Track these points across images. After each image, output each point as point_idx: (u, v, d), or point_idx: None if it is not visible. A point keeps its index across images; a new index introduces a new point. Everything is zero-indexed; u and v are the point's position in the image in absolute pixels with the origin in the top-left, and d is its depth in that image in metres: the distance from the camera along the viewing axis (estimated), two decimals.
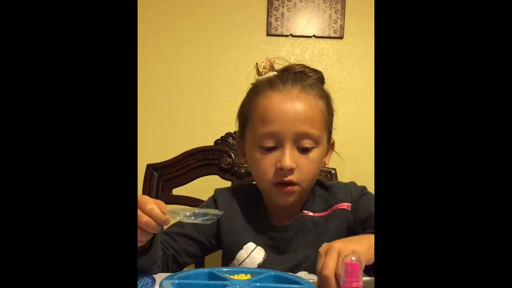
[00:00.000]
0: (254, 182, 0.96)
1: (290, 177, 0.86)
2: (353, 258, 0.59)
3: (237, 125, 0.96)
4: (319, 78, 0.95)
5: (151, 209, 0.69)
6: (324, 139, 0.90)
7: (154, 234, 0.76)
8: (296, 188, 0.87)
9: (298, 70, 0.93)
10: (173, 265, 0.91)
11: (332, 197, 0.95)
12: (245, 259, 0.91)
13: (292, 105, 0.86)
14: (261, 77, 0.94)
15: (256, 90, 0.91)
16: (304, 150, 0.87)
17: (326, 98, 0.91)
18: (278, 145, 0.86)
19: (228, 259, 0.95)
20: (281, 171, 0.85)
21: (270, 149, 0.87)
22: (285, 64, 0.96)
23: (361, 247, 0.67)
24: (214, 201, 0.98)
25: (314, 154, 0.87)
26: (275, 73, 0.94)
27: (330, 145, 0.95)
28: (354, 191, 0.94)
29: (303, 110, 0.86)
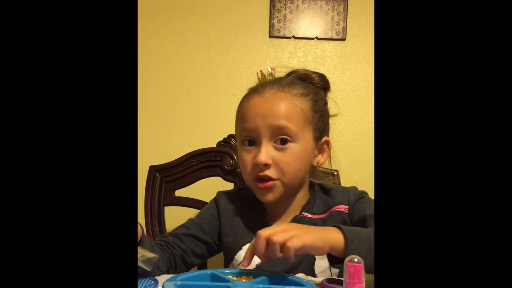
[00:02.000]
0: None
1: (266, 172, 0.89)
2: (355, 259, 0.59)
3: None
4: (322, 80, 0.98)
5: None
6: (306, 136, 0.91)
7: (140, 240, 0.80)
8: (275, 183, 0.89)
9: (302, 73, 0.96)
10: (182, 266, 0.92)
11: (331, 200, 0.97)
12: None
13: (267, 103, 0.90)
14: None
15: (244, 96, 0.96)
16: (282, 144, 0.89)
17: (311, 96, 0.93)
18: (257, 142, 0.90)
19: (228, 259, 0.96)
20: (257, 166, 0.88)
21: (249, 146, 0.91)
22: (289, 71, 0.99)
23: (306, 236, 0.70)
24: (216, 203, 1.00)
25: (293, 149, 0.89)
26: (271, 78, 0.98)
27: (322, 144, 0.96)
28: (352, 194, 0.96)
29: (278, 106, 0.89)
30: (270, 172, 0.89)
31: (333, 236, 0.72)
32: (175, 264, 0.90)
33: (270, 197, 0.91)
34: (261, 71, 0.99)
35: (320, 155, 0.96)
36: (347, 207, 0.94)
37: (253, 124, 0.89)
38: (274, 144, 0.89)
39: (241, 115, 0.93)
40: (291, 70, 0.98)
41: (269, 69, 0.98)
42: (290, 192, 0.94)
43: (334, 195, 0.97)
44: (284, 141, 0.88)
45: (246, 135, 0.91)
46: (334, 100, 1.00)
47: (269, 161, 0.88)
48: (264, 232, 0.71)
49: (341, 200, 0.95)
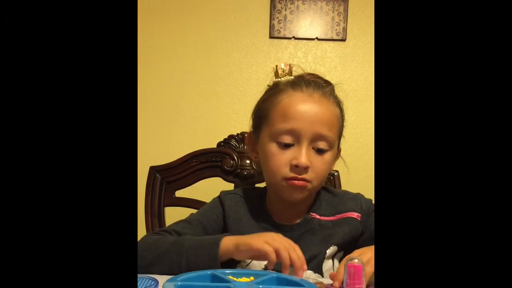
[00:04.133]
0: (257, 185, 0.97)
1: (304, 175, 0.89)
2: (356, 260, 0.59)
3: (251, 122, 0.99)
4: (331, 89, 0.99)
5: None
6: (336, 145, 0.94)
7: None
8: (308, 185, 0.90)
9: (311, 79, 0.96)
10: None
11: (341, 204, 0.98)
12: (252, 260, 0.92)
13: (314, 107, 0.90)
14: (279, 79, 0.97)
15: (277, 89, 0.94)
16: (319, 151, 0.90)
17: (340, 107, 0.96)
18: (295, 143, 0.89)
19: (236, 260, 0.95)
20: (296, 168, 0.88)
21: (286, 146, 0.90)
22: (299, 71, 0.99)
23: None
24: (221, 203, 0.99)
25: (328, 156, 0.91)
26: (292, 77, 0.97)
27: (338, 152, 0.99)
28: (364, 203, 0.97)
29: (323, 113, 0.90)
30: (307, 175, 0.89)
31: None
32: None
33: (300, 196, 0.91)
34: (277, 66, 0.99)
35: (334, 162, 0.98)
36: (359, 215, 0.96)
37: (298, 125, 0.88)
38: (313, 149, 0.90)
39: (281, 111, 0.91)
40: (301, 70, 0.99)
41: (283, 66, 0.98)
42: (312, 195, 0.96)
43: (346, 201, 0.98)
44: (322, 148, 0.90)
45: (287, 134, 0.89)
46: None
47: (309, 164, 0.89)
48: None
49: (353, 207, 0.96)
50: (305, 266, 0.77)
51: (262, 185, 1.03)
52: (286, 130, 0.89)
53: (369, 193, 0.97)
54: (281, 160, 0.90)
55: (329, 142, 0.90)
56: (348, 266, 0.59)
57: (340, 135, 0.96)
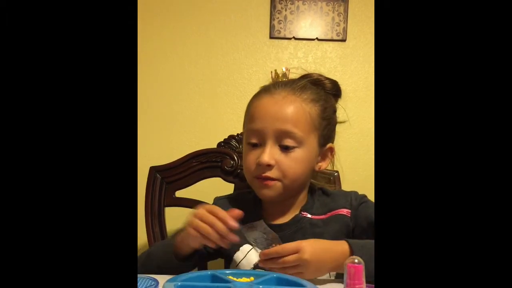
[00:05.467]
0: None
1: (268, 173, 0.90)
2: (356, 260, 0.59)
3: None
4: (334, 87, 1.00)
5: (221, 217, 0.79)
6: (311, 142, 0.92)
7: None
8: (274, 183, 0.91)
9: (315, 77, 0.98)
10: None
11: (332, 203, 0.98)
12: (241, 260, 0.93)
13: (276, 105, 0.91)
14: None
15: (256, 94, 0.97)
16: (286, 149, 0.90)
17: (320, 102, 0.94)
18: (262, 142, 0.91)
19: (227, 261, 0.97)
20: (260, 166, 0.90)
21: (254, 146, 0.92)
22: (304, 73, 1.00)
23: (319, 273, 0.81)
24: None
25: (297, 153, 0.91)
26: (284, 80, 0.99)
27: (326, 151, 0.97)
28: (354, 199, 0.97)
29: (286, 110, 0.90)
30: (272, 173, 0.90)
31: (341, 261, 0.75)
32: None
33: (267, 193, 0.92)
34: (275, 70, 1.00)
35: (323, 161, 0.98)
36: (349, 211, 0.96)
37: (260, 125, 0.91)
38: (279, 146, 0.90)
39: (250, 114, 0.95)
40: (305, 72, 0.99)
41: (284, 69, 0.99)
42: (289, 194, 0.95)
43: (336, 199, 0.98)
44: (288, 145, 0.90)
45: (253, 135, 0.92)
46: (344, 108, 1.01)
47: (272, 162, 0.89)
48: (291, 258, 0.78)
49: (344, 204, 0.96)
50: (232, 223, 0.78)
51: None
52: (252, 130, 0.92)
53: (369, 193, 0.97)
54: (250, 160, 0.92)
55: (295, 138, 0.90)
56: (348, 266, 0.59)
57: (318, 131, 0.93)
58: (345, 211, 0.96)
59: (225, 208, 0.98)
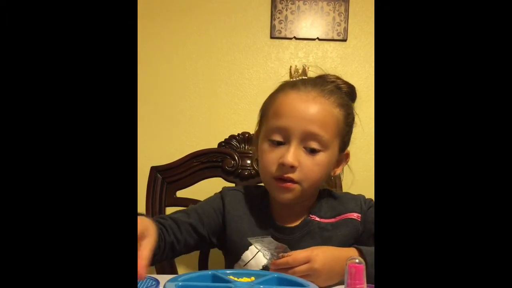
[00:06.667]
0: (261, 184, 0.97)
1: (290, 175, 0.87)
2: (356, 260, 0.59)
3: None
4: (350, 91, 0.96)
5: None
6: (334, 146, 0.91)
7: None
8: (295, 186, 0.88)
9: (332, 79, 0.95)
10: (169, 252, 0.91)
11: (341, 206, 0.96)
12: (250, 260, 0.92)
13: (306, 105, 0.88)
14: (292, 79, 0.97)
15: (279, 88, 0.94)
16: (311, 151, 0.88)
17: (345, 108, 0.92)
18: (286, 141, 0.88)
19: (233, 259, 0.95)
20: (283, 166, 0.87)
21: (277, 144, 0.88)
22: (321, 73, 0.98)
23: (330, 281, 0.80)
24: (221, 199, 0.98)
25: (320, 157, 0.88)
26: (305, 77, 0.96)
27: (343, 156, 0.96)
28: (363, 203, 0.96)
29: (316, 111, 0.87)
30: (294, 175, 0.87)
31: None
32: (164, 251, 0.89)
33: (287, 196, 0.90)
34: (295, 66, 0.99)
35: (338, 167, 0.96)
36: (360, 215, 0.94)
37: (287, 123, 0.87)
38: (304, 148, 0.88)
39: (275, 109, 0.90)
40: (322, 72, 0.97)
41: (303, 66, 0.98)
42: (304, 197, 0.93)
43: (345, 202, 0.97)
44: (314, 148, 0.88)
45: (276, 132, 0.88)
46: (357, 112, 0.98)
47: (296, 164, 0.86)
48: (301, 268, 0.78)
49: (354, 208, 0.95)
50: (142, 271, 0.60)
51: None
52: (276, 127, 0.88)
53: (369, 193, 0.97)
54: (271, 158, 0.89)
55: (321, 142, 0.87)
56: (349, 266, 0.59)
57: (341, 137, 0.92)
58: (355, 215, 0.94)
59: (235, 201, 0.97)
